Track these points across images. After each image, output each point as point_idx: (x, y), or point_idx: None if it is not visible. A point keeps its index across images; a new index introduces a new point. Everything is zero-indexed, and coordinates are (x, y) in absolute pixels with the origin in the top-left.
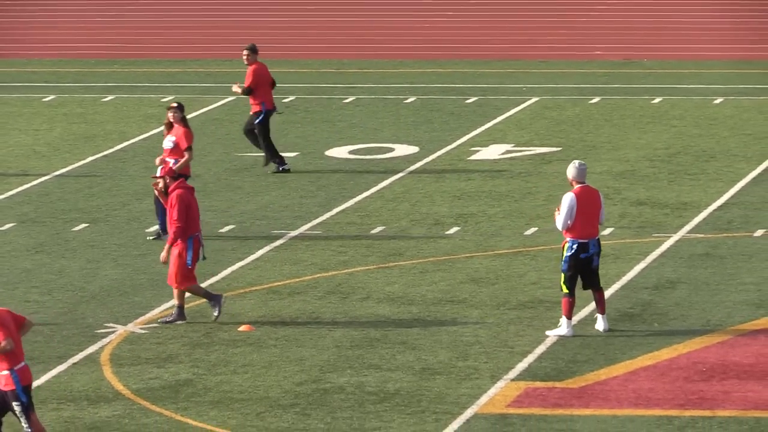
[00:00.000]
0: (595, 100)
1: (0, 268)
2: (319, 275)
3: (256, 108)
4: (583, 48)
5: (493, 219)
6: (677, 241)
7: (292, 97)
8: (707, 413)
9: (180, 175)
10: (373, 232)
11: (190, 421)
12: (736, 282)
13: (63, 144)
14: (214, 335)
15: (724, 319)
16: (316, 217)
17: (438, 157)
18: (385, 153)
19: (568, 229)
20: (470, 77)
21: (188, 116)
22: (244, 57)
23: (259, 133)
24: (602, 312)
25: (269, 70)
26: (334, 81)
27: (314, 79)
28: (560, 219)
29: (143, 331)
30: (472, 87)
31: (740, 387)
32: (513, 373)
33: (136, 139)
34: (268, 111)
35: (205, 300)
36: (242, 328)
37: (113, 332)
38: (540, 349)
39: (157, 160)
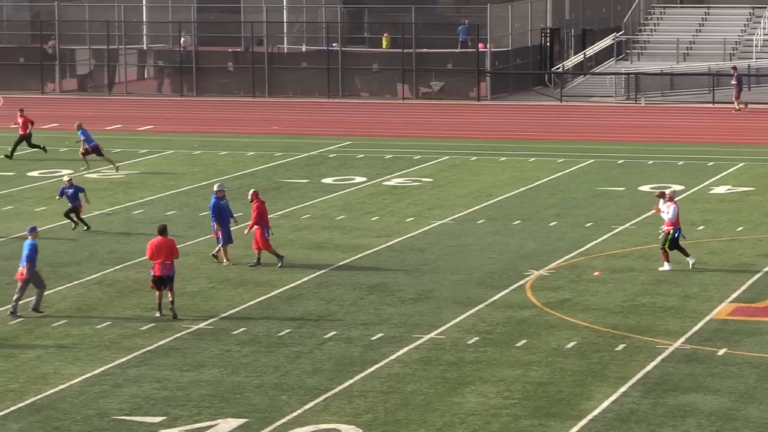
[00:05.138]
0: None
1: (476, 241)
2: (633, 248)
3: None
4: None
5: (722, 222)
6: None
7: (622, 160)
8: None
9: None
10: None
11: (568, 318)
12: None
13: (508, 181)
14: (582, 276)
15: None
16: (630, 221)
17: (693, 191)
18: (666, 188)
19: (673, 222)
20: (709, 153)
21: (567, 171)
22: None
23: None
24: (687, 255)
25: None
26: (644, 153)
27: (633, 153)
28: (674, 215)
29: (547, 274)
30: (710, 157)
31: None
32: (730, 299)
33: (541, 181)
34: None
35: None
36: (596, 273)
37: (531, 274)
38: (743, 287)
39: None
